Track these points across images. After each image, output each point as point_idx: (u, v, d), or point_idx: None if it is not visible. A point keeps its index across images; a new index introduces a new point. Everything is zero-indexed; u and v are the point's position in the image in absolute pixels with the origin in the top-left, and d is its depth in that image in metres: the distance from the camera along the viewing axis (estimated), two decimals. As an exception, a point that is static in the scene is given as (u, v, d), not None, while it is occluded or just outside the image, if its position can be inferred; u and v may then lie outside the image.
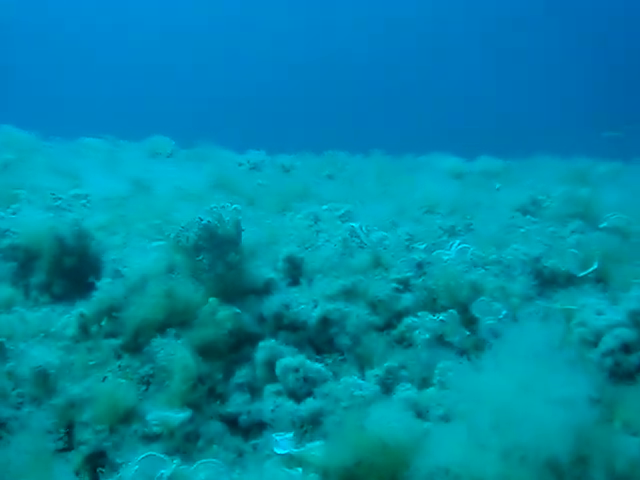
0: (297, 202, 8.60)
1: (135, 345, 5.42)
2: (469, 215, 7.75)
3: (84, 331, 5.57)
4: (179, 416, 4.66)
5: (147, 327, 5.47)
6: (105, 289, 5.83)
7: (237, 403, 4.92)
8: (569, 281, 6.18)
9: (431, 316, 5.53)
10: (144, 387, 5.03)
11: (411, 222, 7.59)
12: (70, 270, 6.31)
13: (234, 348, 5.39)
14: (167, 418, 4.63)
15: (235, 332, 5.39)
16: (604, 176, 11.81)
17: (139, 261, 6.13)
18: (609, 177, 11.79)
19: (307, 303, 5.58)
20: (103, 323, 5.55)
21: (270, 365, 5.10)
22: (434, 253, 6.39)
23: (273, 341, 5.24)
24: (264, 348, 5.18)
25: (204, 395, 4.96)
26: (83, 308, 5.70)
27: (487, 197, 8.94)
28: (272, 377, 5.06)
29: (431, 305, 5.77)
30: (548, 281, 6.14)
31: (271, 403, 4.80)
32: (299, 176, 10.52)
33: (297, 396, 4.87)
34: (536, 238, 6.92)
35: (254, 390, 5.05)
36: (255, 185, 9.66)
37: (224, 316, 5.39)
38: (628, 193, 9.09)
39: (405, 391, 4.82)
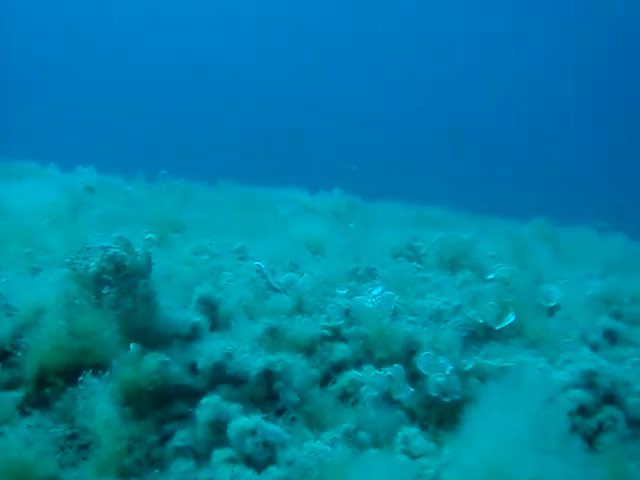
0: (171, 233, 7.83)
1: (39, 398, 4.50)
2: (362, 259, 7.42)
3: (-32, 379, 4.55)
4: (125, 491, 3.85)
5: (51, 373, 4.57)
6: (-15, 325, 4.83)
7: (180, 471, 4.17)
8: (488, 334, 6.04)
9: (377, 371, 5.12)
10: (62, 451, 4.15)
11: (309, 263, 7.12)
12: None
13: (162, 404, 4.63)
14: (110, 494, 3.80)
15: (164, 385, 4.64)
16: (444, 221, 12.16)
17: (24, 291, 5.16)
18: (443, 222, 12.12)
19: (247, 352, 4.92)
20: (-2, 370, 4.56)
21: (215, 426, 4.40)
22: (355, 299, 5.98)
23: (218, 397, 4.52)
24: (208, 405, 4.44)
25: (143, 460, 4.17)
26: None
27: (364, 239, 8.70)
28: (218, 440, 4.36)
29: (369, 357, 5.35)
30: (472, 333, 5.95)
31: (227, 472, 4.10)
32: (154, 203, 9.62)
33: (256, 464, 4.21)
34: (445, 287, 6.75)
35: (198, 456, 4.31)
36: (113, 210, 8.72)
37: (151, 365, 4.62)
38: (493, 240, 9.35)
39: (376, 457, 4.34)
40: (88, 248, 5.17)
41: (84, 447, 4.20)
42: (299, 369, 4.90)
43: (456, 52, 49.57)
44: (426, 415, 5.00)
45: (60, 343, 4.64)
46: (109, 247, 5.13)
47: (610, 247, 10.99)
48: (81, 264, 5.07)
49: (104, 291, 4.97)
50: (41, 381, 4.55)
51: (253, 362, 4.82)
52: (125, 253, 5.14)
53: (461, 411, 4.93)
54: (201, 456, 4.31)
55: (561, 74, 46.85)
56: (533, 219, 11.87)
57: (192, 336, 5.09)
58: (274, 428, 4.36)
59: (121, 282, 5.04)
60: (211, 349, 4.86)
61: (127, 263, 5.10)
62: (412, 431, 4.65)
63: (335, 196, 12.81)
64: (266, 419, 4.48)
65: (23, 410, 4.37)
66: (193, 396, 4.66)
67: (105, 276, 5.01)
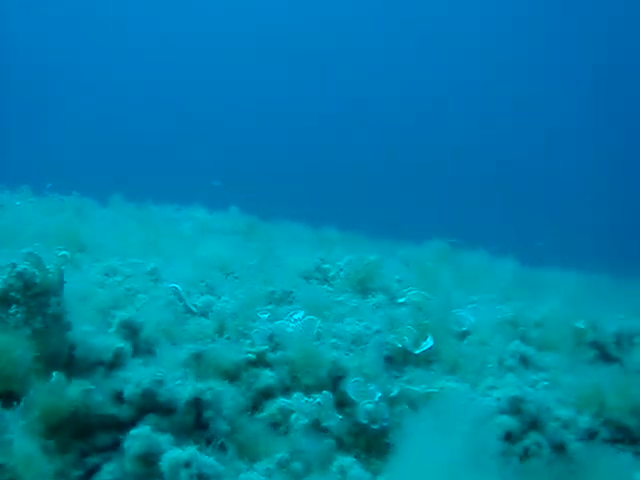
0: (75, 252, 7.44)
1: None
2: (274, 281, 7.30)
3: None
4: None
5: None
6: None
7: (109, 509, 3.93)
8: (406, 359, 6.05)
9: (306, 398, 5.01)
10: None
11: (223, 286, 6.93)
12: None
13: (85, 435, 4.36)
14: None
15: (87, 415, 4.37)
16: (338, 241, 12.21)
17: None
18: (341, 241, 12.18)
19: (179, 379, 4.70)
20: None
21: (146, 458, 4.16)
22: (277, 324, 5.86)
23: (148, 428, 4.29)
24: (138, 437, 4.20)
25: (70, 499, 3.90)
26: None
27: (272, 261, 8.59)
28: (149, 473, 4.12)
29: (295, 384, 5.24)
30: (391, 358, 5.94)
31: (159, 509, 3.90)
32: (47, 220, 9.09)
33: (190, 498, 4.01)
34: (362, 310, 6.73)
35: (128, 491, 4.08)
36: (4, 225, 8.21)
37: (73, 393, 4.34)
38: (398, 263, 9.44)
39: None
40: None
41: (4, 486, 3.87)
42: (229, 397, 4.73)
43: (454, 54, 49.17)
44: (354, 442, 4.94)
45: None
46: (18, 263, 4.82)
47: (502, 271, 11.32)
48: (-11, 282, 4.74)
49: (11, 310, 4.65)
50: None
51: (183, 390, 4.61)
52: (35, 270, 4.84)
53: (388, 437, 4.92)
54: (131, 491, 4.07)
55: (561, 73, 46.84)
56: (431, 241, 12.05)
57: (115, 363, 4.83)
58: (209, 460, 4.17)
59: (30, 301, 4.73)
60: (139, 376, 4.61)
61: (37, 280, 4.80)
62: (347, 460, 4.55)
63: (232, 214, 12.65)
64: (198, 449, 4.28)
65: None
66: (118, 427, 4.41)
67: (13, 294, 4.70)
